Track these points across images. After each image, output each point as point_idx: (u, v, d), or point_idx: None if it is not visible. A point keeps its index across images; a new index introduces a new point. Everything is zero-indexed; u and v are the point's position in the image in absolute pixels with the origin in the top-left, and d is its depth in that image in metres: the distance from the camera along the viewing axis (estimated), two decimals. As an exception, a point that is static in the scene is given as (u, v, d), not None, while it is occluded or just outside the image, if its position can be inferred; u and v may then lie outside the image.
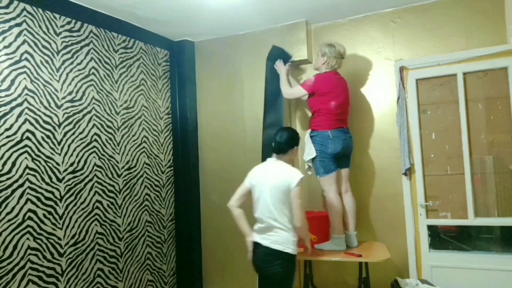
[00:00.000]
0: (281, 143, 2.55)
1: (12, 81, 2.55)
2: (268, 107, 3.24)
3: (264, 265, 2.45)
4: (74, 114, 2.94)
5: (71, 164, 2.90)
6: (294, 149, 2.61)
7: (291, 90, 3.20)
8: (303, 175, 2.46)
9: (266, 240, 2.44)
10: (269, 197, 2.44)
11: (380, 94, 3.36)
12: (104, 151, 3.17)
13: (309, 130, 3.07)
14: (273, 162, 2.58)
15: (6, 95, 2.51)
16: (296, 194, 2.41)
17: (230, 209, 2.58)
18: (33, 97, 2.67)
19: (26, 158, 2.60)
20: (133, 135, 3.46)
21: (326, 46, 3.06)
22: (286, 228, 2.42)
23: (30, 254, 2.59)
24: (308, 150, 3.03)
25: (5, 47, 2.53)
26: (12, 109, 2.54)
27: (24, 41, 2.64)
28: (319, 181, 3.03)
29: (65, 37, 2.92)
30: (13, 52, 2.58)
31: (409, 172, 3.21)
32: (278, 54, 3.33)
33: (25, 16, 2.66)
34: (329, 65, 3.05)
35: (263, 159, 2.84)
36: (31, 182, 2.62)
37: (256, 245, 2.50)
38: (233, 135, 3.80)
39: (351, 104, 3.25)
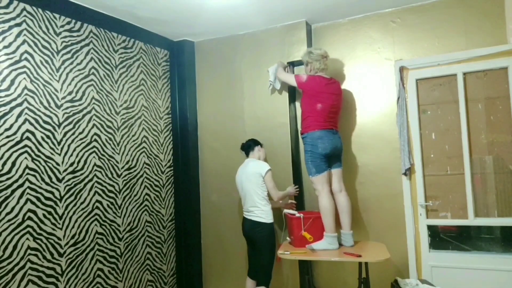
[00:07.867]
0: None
1: (12, 81, 2.55)
2: None
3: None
4: (74, 114, 2.94)
5: (71, 164, 2.90)
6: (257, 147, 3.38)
7: (285, 75, 3.36)
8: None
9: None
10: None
11: (380, 94, 3.36)
12: (104, 151, 3.16)
13: (300, 134, 3.16)
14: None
15: (6, 95, 2.51)
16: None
17: None
18: (33, 97, 2.67)
19: (26, 158, 2.60)
20: (133, 135, 3.46)
21: (305, 55, 3.19)
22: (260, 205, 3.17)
23: (30, 254, 2.59)
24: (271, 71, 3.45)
25: (5, 47, 2.53)
26: (12, 109, 2.54)
27: (24, 41, 2.64)
28: (311, 181, 3.05)
29: (65, 37, 2.92)
30: (13, 52, 2.58)
31: (409, 172, 3.21)
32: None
33: (25, 16, 2.66)
34: (314, 69, 3.13)
35: None
36: (31, 182, 2.62)
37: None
38: (233, 135, 3.80)
39: (351, 105, 3.25)
